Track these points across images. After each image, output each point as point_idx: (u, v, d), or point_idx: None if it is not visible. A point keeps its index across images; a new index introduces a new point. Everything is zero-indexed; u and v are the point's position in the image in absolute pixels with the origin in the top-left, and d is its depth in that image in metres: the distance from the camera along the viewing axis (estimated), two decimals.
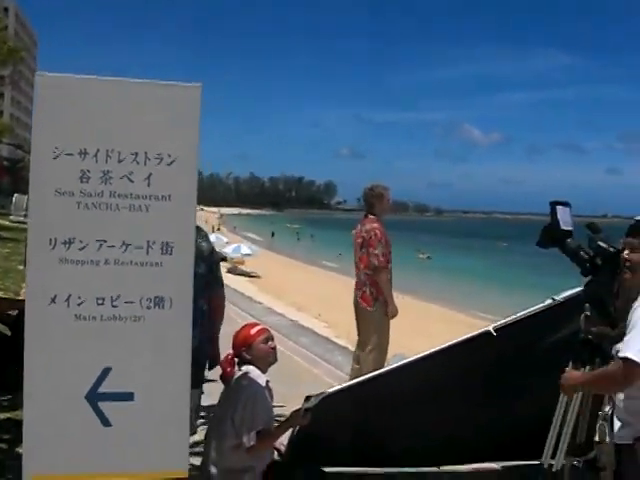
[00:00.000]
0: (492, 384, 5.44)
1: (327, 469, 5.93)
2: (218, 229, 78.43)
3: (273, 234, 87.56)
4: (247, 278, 34.55)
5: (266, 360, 5.09)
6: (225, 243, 48.42)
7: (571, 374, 4.22)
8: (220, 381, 5.11)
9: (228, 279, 28.47)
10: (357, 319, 7.92)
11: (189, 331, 2.73)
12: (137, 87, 2.68)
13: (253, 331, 5.09)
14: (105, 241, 2.70)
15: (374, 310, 7.64)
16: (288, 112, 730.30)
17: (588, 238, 4.68)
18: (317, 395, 4.97)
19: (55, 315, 2.66)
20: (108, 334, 2.70)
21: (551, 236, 4.79)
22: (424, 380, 5.38)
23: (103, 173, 2.67)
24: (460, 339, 5.28)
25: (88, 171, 2.66)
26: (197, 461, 5.20)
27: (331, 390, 5.18)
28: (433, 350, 5.27)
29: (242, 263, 41.50)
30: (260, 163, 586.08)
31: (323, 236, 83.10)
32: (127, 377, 2.72)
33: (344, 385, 5.49)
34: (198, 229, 5.11)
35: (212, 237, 51.84)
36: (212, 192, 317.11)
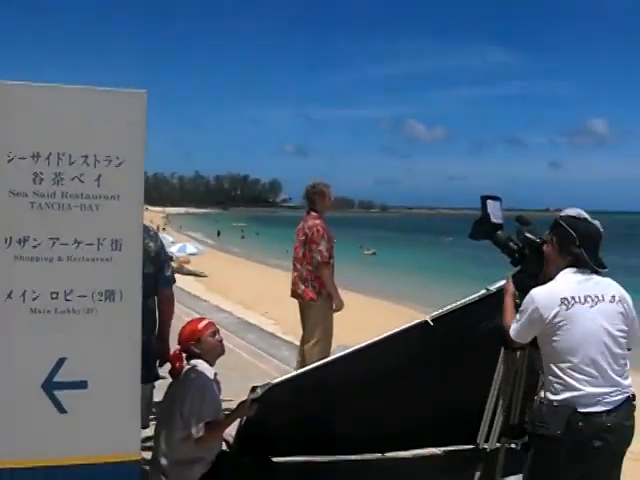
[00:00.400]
0: (430, 372, 5.55)
1: (274, 459, 6.09)
2: (163, 229, 77.85)
3: (219, 233, 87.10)
4: (194, 277, 34.41)
5: (214, 353, 5.24)
6: (171, 243, 48.13)
7: (508, 287, 4.66)
8: (170, 377, 5.26)
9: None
10: (301, 313, 8.05)
11: (139, 322, 2.91)
12: (86, 93, 2.86)
13: (201, 325, 5.24)
14: (58, 239, 2.86)
15: (318, 304, 7.77)
16: (230, 110, 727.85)
17: (517, 230, 4.92)
18: (263, 386, 5.11)
19: (11, 310, 2.82)
20: (62, 326, 2.86)
21: (482, 229, 5.01)
22: (365, 369, 5.46)
23: (55, 175, 2.83)
24: (399, 329, 5.36)
25: (41, 173, 2.82)
26: (149, 455, 5.36)
27: (276, 381, 5.25)
28: (373, 340, 5.36)
29: (188, 262, 41.22)
30: (205, 162, 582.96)
31: (269, 234, 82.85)
32: (81, 366, 2.88)
33: (289, 376, 5.59)
34: (146, 229, 5.21)
35: None
36: (157, 192, 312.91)
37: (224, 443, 5.61)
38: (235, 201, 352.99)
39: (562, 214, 5.32)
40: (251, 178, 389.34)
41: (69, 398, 2.86)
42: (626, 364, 4.14)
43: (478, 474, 4.81)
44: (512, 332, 4.26)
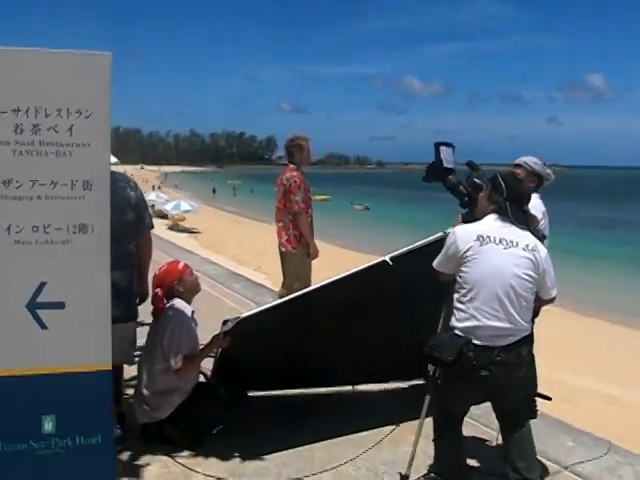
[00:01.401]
0: (390, 308, 5.94)
1: (248, 392, 6.54)
2: (159, 187, 78.00)
3: (214, 190, 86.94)
4: (188, 234, 34.72)
5: (194, 291, 5.68)
6: (165, 201, 48.24)
7: (457, 224, 5.04)
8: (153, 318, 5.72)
9: (168, 235, 28.46)
10: (282, 261, 8.42)
11: (108, 251, 3.29)
12: (60, 56, 3.21)
13: (180, 266, 5.68)
14: (37, 180, 3.23)
15: (297, 251, 8.17)
16: (226, 68, 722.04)
17: (466, 175, 5.33)
18: (233, 319, 5.49)
19: None
20: (42, 255, 3.24)
21: (435, 172, 5.30)
22: (329, 304, 5.72)
23: (33, 126, 3.20)
24: (361, 267, 5.65)
25: (21, 124, 3.18)
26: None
27: (245, 314, 5.53)
28: (336, 277, 5.64)
29: (183, 220, 41.37)
30: (200, 120, 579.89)
31: (264, 191, 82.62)
32: (59, 289, 3.26)
33: (257, 310, 5.80)
34: (127, 179, 5.65)
35: (152, 195, 51.53)
36: (152, 151, 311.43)
37: (202, 375, 6.10)
38: (231, 159, 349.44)
39: (517, 161, 5.84)
40: (247, 135, 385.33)
41: (49, 316, 3.24)
42: (529, 308, 4.54)
43: (428, 398, 5.23)
44: (434, 262, 4.75)
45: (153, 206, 47.18)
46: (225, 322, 5.46)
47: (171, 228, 37.00)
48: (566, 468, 5.53)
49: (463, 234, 4.61)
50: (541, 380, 9.13)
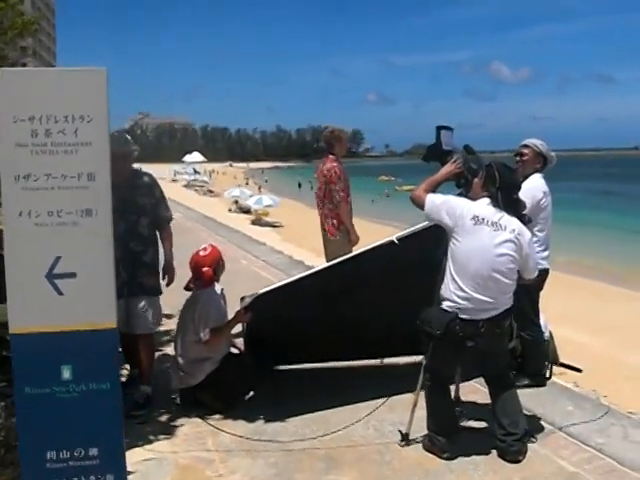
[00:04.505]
0: (399, 284, 6.20)
1: (275, 365, 6.99)
2: (246, 183, 79.41)
3: (300, 185, 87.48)
4: (271, 228, 35.43)
5: (223, 271, 6.40)
6: (248, 196, 49.11)
7: (451, 169, 5.48)
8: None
9: (249, 230, 29.13)
10: (324, 246, 8.95)
11: (110, 230, 3.91)
12: (65, 73, 3.93)
13: (219, 249, 6.40)
14: (50, 174, 3.89)
15: (337, 238, 8.65)
16: (310, 63, 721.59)
17: (463, 158, 5.79)
18: (251, 295, 6.09)
19: (22, 224, 3.87)
20: (57, 234, 3.89)
21: (433, 154, 5.70)
22: (342, 279, 6.19)
23: (46, 130, 3.87)
24: (369, 246, 6.14)
25: (36, 130, 3.86)
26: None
27: (262, 291, 6.09)
28: (349, 255, 6.23)
29: (266, 214, 41.99)
30: (286, 115, 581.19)
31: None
32: (71, 262, 3.91)
33: (274, 286, 6.36)
34: (147, 175, 6.42)
35: (236, 191, 52.36)
36: (240, 148, 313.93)
37: (234, 348, 6.75)
38: (318, 153, 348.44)
39: (526, 142, 6.28)
40: None
41: (64, 284, 3.89)
42: (512, 284, 5.02)
43: (424, 367, 5.69)
44: (428, 200, 5.15)
45: (237, 202, 48.28)
46: (242, 298, 6.09)
47: (254, 222, 37.73)
48: (560, 429, 5.91)
49: (467, 209, 5.07)
50: (605, 358, 9.44)
